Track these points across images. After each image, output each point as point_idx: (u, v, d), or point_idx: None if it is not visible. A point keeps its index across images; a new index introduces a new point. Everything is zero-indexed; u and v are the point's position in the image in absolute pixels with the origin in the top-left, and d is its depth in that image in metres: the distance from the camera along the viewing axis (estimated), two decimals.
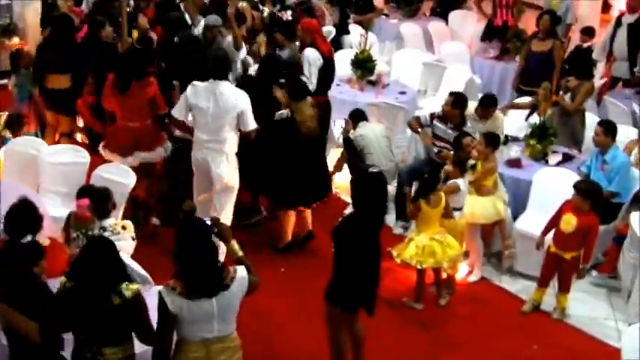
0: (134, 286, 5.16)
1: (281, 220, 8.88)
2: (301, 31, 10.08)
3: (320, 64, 9.76)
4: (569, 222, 7.66)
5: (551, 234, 7.91)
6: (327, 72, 10.01)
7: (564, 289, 7.96)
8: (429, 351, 7.51)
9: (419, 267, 7.81)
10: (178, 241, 5.27)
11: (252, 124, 8.10)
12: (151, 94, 8.63)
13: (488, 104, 9.57)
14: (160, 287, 5.24)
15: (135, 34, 10.45)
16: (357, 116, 9.36)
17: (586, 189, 7.72)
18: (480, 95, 10.50)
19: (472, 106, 9.61)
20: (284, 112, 8.42)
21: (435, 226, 7.81)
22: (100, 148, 8.84)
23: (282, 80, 8.74)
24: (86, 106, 9.79)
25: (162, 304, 5.09)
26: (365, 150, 9.06)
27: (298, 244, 8.95)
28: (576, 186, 7.76)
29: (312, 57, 9.75)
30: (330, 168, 9.28)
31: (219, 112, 7.96)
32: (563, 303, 7.98)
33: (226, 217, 8.07)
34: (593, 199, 7.66)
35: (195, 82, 8.07)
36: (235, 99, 8.01)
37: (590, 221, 7.65)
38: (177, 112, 8.18)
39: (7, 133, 9.14)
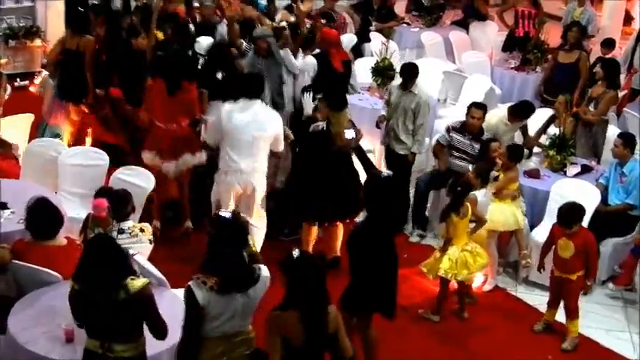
0: (140, 281, 5.14)
1: (301, 235, 8.68)
2: (320, 38, 10.15)
3: (313, 71, 9.78)
4: (566, 247, 7.50)
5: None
6: (340, 84, 10.04)
7: (573, 314, 7.71)
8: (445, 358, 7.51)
9: (454, 280, 7.78)
10: (213, 236, 5.43)
11: (282, 145, 8.17)
12: (194, 96, 8.78)
13: (521, 114, 9.63)
14: (175, 290, 5.28)
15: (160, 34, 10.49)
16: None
17: (566, 214, 7.49)
18: (499, 105, 10.52)
19: (499, 112, 9.72)
20: (320, 124, 8.28)
21: (463, 237, 7.75)
22: (144, 152, 8.87)
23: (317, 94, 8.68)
24: (96, 119, 10.15)
25: (191, 298, 5.15)
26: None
27: (326, 264, 8.37)
28: (558, 214, 7.58)
29: (310, 64, 9.81)
30: None
31: (257, 131, 7.91)
32: (574, 331, 7.73)
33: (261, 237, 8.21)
34: (578, 219, 7.49)
35: (227, 106, 8.00)
36: (273, 120, 8.05)
37: (586, 239, 7.53)
38: (210, 139, 8.18)
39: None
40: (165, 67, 8.85)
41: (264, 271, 5.39)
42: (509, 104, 10.01)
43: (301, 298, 5.12)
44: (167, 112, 8.68)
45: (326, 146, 8.20)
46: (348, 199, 8.32)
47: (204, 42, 10.35)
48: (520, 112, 9.63)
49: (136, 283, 5.11)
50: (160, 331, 5.22)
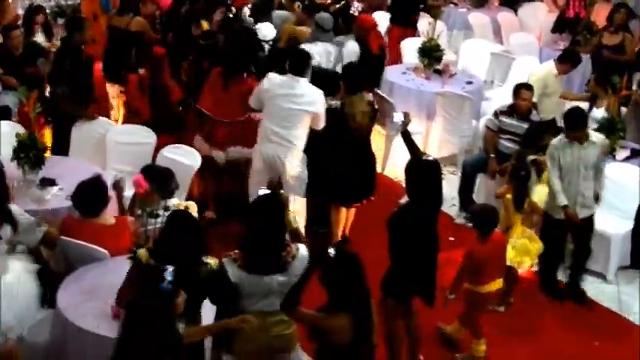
0: (213, 260, 5.26)
1: (331, 217, 8.55)
2: (356, 25, 10.33)
3: (356, 56, 9.80)
4: None
5: None
6: (376, 68, 10.11)
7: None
8: (489, 343, 7.44)
9: (519, 268, 7.64)
10: (250, 215, 5.41)
11: (323, 124, 8.03)
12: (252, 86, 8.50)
13: (568, 61, 9.99)
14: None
15: (205, 25, 10.48)
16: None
17: (470, 213, 7.06)
18: None
19: (546, 65, 10.12)
20: (333, 103, 8.20)
21: (519, 225, 7.59)
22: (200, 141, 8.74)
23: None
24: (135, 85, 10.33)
25: (223, 274, 5.18)
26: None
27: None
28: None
29: (350, 49, 9.89)
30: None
31: (295, 108, 7.82)
32: (479, 352, 7.00)
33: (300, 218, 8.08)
34: (476, 225, 6.84)
35: (270, 75, 7.97)
36: (314, 99, 7.93)
37: (468, 247, 6.83)
38: (254, 102, 8.08)
39: None
40: (226, 58, 8.76)
41: (302, 250, 5.35)
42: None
43: (350, 302, 4.99)
44: (223, 104, 8.49)
45: (339, 126, 8.13)
46: (360, 182, 8.37)
47: (264, 29, 10.25)
48: (567, 58, 9.92)
49: (212, 261, 5.24)
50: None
